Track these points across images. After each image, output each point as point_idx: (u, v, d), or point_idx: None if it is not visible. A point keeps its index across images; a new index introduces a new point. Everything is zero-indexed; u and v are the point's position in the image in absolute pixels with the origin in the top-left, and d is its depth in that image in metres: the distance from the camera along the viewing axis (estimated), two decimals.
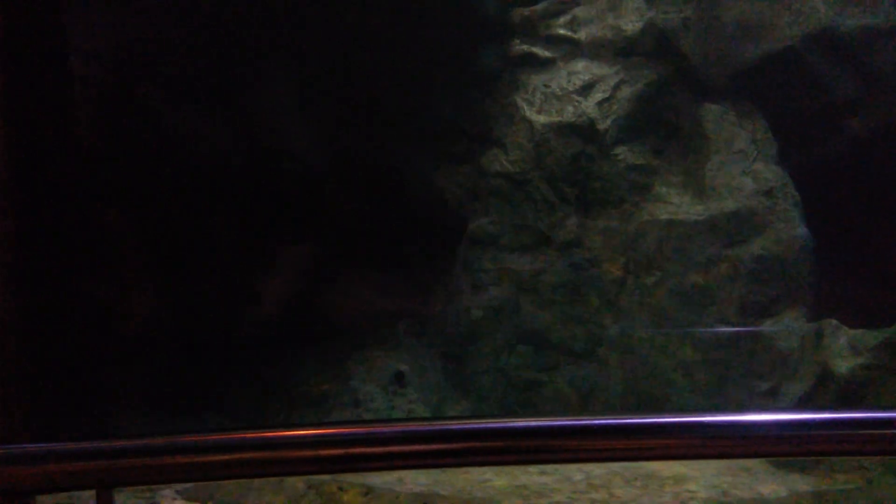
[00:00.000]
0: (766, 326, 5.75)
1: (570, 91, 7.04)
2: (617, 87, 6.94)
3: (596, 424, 1.45)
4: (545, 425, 1.43)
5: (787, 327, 5.63)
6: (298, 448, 1.38)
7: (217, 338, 6.61)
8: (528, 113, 7.01)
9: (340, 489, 4.55)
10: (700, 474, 4.88)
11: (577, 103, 6.95)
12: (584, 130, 6.84)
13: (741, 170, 6.25)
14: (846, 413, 1.49)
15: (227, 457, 1.38)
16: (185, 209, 6.76)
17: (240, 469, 1.39)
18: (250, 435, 1.39)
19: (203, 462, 1.37)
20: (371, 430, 1.41)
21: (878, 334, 4.94)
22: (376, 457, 1.38)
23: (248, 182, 7.00)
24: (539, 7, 7.26)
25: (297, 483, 4.71)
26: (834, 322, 5.22)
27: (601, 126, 6.81)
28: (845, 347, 5.07)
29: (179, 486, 4.96)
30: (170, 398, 6.35)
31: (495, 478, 4.88)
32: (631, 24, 7.12)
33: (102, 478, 1.35)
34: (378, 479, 4.80)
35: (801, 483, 4.70)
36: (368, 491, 4.52)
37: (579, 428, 1.44)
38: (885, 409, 1.42)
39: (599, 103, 6.90)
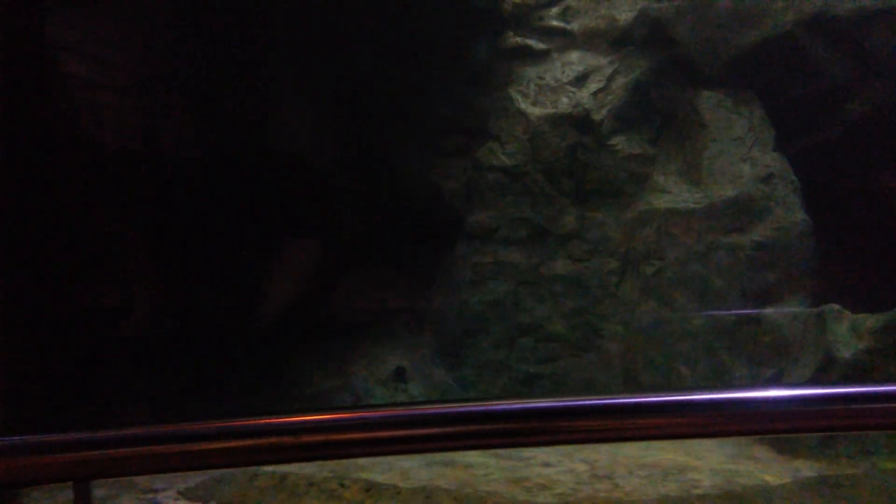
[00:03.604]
0: (769, 313, 5.70)
1: (564, 82, 7.01)
2: (612, 77, 6.90)
3: (589, 405, 1.41)
4: (533, 407, 1.40)
5: (788, 313, 5.58)
6: (280, 435, 1.35)
7: (219, 337, 6.61)
8: (522, 105, 6.98)
9: (342, 485, 4.52)
10: (703, 463, 4.84)
11: (571, 94, 6.92)
12: (579, 121, 6.80)
13: (739, 157, 6.20)
14: (844, 388, 1.45)
15: (207, 446, 1.35)
16: (187, 208, 6.75)
17: (221, 458, 1.36)
18: (231, 423, 1.36)
19: (182, 451, 1.34)
20: (353, 415, 1.38)
21: (881, 318, 4.89)
22: (359, 442, 1.35)
23: (248, 181, 6.99)
24: None
25: (299, 481, 4.69)
26: (836, 307, 5.16)
27: (597, 116, 6.77)
28: (848, 332, 5.02)
29: (181, 486, 4.94)
30: (171, 397, 6.35)
31: (497, 471, 4.85)
32: (624, 14, 7.08)
33: (78, 470, 1.32)
34: (380, 475, 4.77)
35: (806, 469, 4.66)
36: (370, 487, 4.49)
37: (569, 409, 1.40)
38: (882, 383, 1.38)
39: (594, 94, 6.86)
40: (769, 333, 5.63)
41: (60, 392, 5.58)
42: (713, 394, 1.43)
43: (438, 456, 5.21)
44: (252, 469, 4.82)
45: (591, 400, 1.37)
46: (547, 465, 4.94)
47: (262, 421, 1.40)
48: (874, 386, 1.45)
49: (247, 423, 1.41)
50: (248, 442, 1.37)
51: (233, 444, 1.37)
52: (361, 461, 5.18)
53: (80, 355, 5.94)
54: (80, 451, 1.30)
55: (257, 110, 7.09)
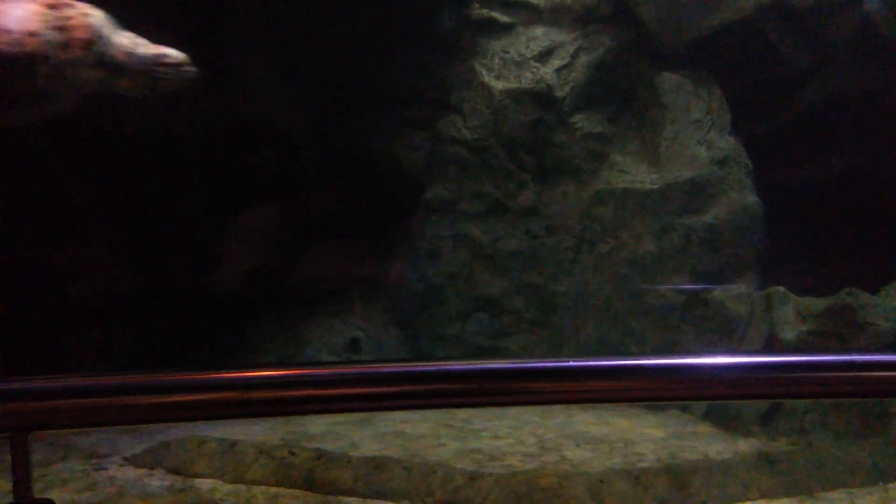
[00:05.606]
0: (718, 293, 5.83)
1: (528, 57, 6.97)
2: (575, 54, 6.89)
3: (544, 367, 1.41)
4: (488, 368, 1.40)
5: (737, 294, 5.72)
6: (227, 390, 1.32)
7: (176, 304, 6.48)
8: (486, 79, 6.93)
9: (292, 453, 4.49)
10: (648, 438, 4.96)
11: (535, 70, 6.89)
12: (542, 97, 6.79)
13: (696, 139, 6.29)
14: (787, 356, 1.48)
15: (151, 399, 1.31)
16: (145, 175, 6.57)
17: (165, 412, 1.32)
18: (176, 377, 1.33)
19: (125, 405, 1.30)
20: (304, 372, 1.36)
21: (824, 301, 5.04)
22: (310, 399, 1.33)
23: (206, 148, 6.82)
24: None
25: (248, 448, 4.63)
26: (782, 289, 5.31)
27: (559, 93, 6.77)
28: (792, 314, 5.18)
29: (127, 452, 4.84)
30: (127, 363, 6.24)
31: (449, 441, 4.89)
32: None
33: (15, 420, 1.27)
34: (330, 444, 4.76)
35: (746, 445, 4.81)
36: (321, 455, 4.47)
37: (525, 370, 1.40)
38: (816, 352, 1.41)
39: (558, 70, 6.85)
40: (718, 313, 5.77)
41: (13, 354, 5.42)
42: (664, 359, 1.45)
43: (389, 427, 5.22)
44: (200, 435, 4.75)
45: (546, 362, 1.38)
46: (497, 437, 4.99)
47: (209, 375, 1.36)
48: (817, 355, 1.48)
49: (192, 377, 1.37)
50: (194, 397, 1.34)
51: (177, 398, 1.33)
52: (312, 430, 5.16)
53: (33, 317, 5.77)
54: (16, 401, 1.25)
55: (217, 75, 6.89)
